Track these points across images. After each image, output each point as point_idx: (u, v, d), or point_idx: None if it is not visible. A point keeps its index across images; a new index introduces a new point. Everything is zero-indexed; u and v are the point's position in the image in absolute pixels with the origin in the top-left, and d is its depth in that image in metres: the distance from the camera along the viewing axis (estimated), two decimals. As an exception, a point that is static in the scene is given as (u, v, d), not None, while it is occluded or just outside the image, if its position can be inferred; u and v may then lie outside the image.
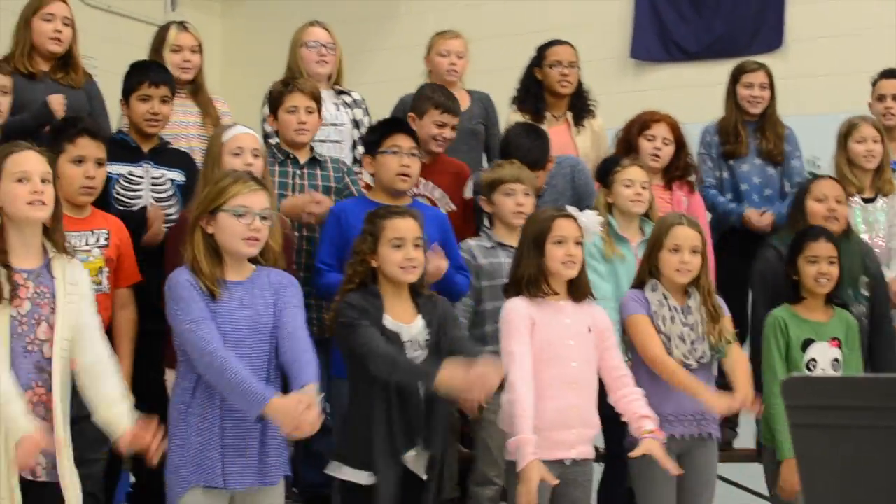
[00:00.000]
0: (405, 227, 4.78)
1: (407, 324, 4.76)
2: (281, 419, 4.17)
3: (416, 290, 4.85)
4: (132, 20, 10.02)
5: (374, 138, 5.59)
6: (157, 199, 5.55)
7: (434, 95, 6.23)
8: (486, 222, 5.93)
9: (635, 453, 4.97)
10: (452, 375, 4.45)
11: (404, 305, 4.80)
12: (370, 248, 4.76)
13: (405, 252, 4.75)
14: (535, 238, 5.10)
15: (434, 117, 6.10)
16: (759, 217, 6.60)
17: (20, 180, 4.17)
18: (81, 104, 5.95)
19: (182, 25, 6.30)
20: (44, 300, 4.20)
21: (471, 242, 5.67)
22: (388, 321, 4.71)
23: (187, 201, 5.37)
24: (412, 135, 5.58)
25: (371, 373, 4.60)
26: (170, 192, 5.61)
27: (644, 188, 5.98)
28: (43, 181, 4.18)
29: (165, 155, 5.69)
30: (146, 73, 5.69)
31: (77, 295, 4.30)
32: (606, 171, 6.07)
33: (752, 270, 6.16)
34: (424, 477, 4.71)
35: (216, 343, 4.28)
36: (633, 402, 5.06)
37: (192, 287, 4.35)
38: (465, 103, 6.71)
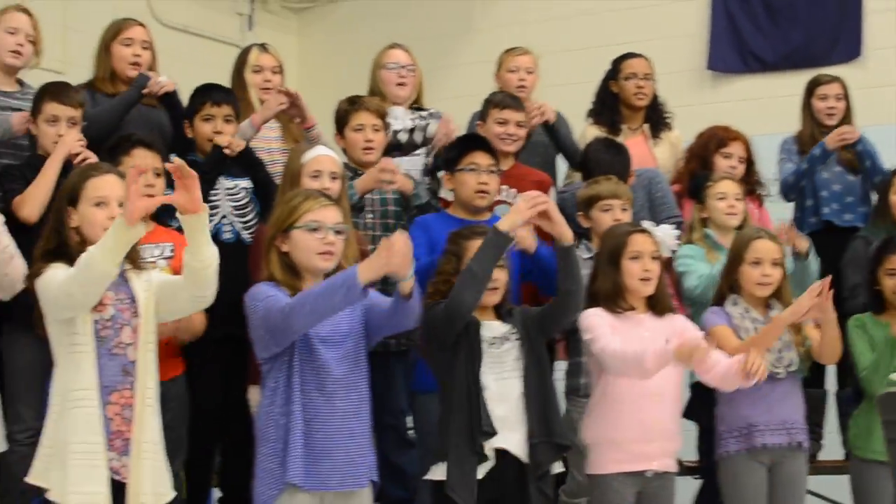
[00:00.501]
0: None
1: (493, 321, 4.77)
2: (378, 262, 4.20)
3: (500, 308, 4.84)
4: (210, 40, 10.11)
5: (453, 155, 5.62)
6: (235, 208, 5.64)
7: (493, 97, 6.32)
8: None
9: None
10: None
11: (488, 319, 4.80)
12: (454, 269, 4.77)
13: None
14: (610, 253, 5.09)
15: (495, 116, 6.16)
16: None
17: (99, 205, 4.25)
18: (163, 121, 6.02)
19: (263, 47, 6.37)
20: (125, 305, 4.26)
21: None
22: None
23: (261, 204, 5.53)
24: (491, 152, 5.60)
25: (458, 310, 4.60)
26: (246, 200, 5.69)
27: (738, 200, 5.99)
28: (120, 205, 4.22)
29: (233, 167, 5.73)
30: (208, 94, 5.76)
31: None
32: (698, 187, 6.06)
33: (843, 261, 6.22)
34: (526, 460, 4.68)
35: (282, 299, 4.32)
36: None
37: (275, 288, 4.40)
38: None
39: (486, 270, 4.60)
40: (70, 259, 4.15)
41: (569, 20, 9.79)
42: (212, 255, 4.23)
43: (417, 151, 6.39)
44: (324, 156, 5.26)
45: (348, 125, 5.83)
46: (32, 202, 5.18)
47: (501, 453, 4.63)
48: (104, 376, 4.15)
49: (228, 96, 5.83)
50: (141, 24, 6.17)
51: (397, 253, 4.19)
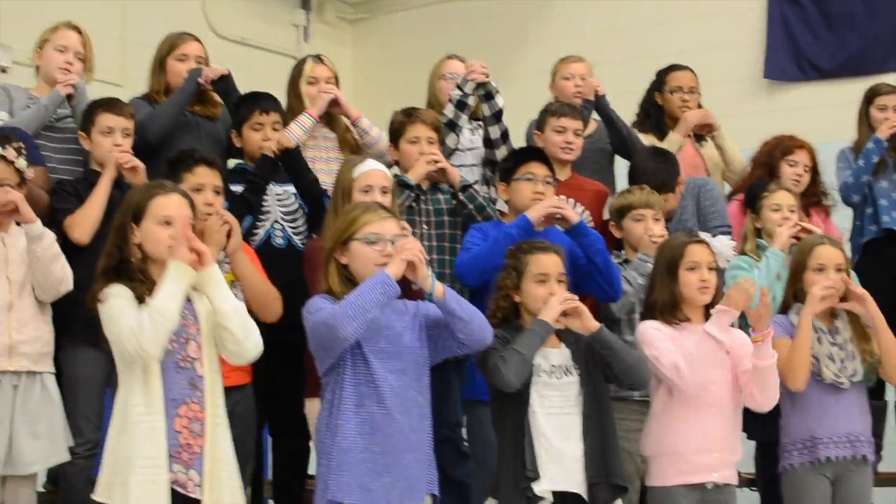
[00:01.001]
0: (549, 263, 4.78)
1: (555, 349, 4.75)
2: (396, 258, 4.30)
3: (561, 333, 4.83)
4: (266, 52, 10.19)
5: (509, 166, 5.62)
6: (285, 213, 5.69)
7: (550, 106, 6.33)
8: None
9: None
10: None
11: (549, 340, 4.77)
12: (514, 284, 4.78)
13: (549, 288, 4.75)
14: (667, 264, 5.07)
15: (553, 124, 6.15)
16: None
17: (163, 223, 4.25)
18: (219, 135, 6.04)
19: (318, 58, 6.37)
20: (189, 321, 4.27)
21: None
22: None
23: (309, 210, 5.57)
24: (547, 163, 5.58)
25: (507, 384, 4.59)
26: (295, 206, 5.74)
27: (792, 212, 5.95)
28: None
29: (281, 173, 5.76)
30: (256, 103, 5.78)
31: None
32: (754, 197, 6.04)
33: None
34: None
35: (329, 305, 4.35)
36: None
37: (328, 301, 4.42)
38: (592, 126, 6.74)
39: (531, 354, 4.61)
40: (129, 277, 4.17)
41: (624, 31, 9.78)
42: (230, 310, 4.27)
43: (470, 161, 6.39)
44: (374, 170, 5.27)
45: (403, 137, 5.83)
46: (84, 224, 5.24)
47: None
48: (172, 389, 4.15)
49: (275, 104, 5.86)
50: (196, 40, 6.20)
51: (411, 250, 4.29)
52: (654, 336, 4.96)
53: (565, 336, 4.80)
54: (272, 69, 9.53)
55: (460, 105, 6.15)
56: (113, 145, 5.42)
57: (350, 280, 4.47)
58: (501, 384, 4.57)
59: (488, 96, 6.26)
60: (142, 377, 4.11)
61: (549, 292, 4.72)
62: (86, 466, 4.94)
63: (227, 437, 4.31)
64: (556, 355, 4.74)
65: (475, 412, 5.31)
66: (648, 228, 5.60)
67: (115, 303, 4.15)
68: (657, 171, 6.06)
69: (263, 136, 5.70)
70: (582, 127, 6.22)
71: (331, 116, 6.24)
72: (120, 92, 6.61)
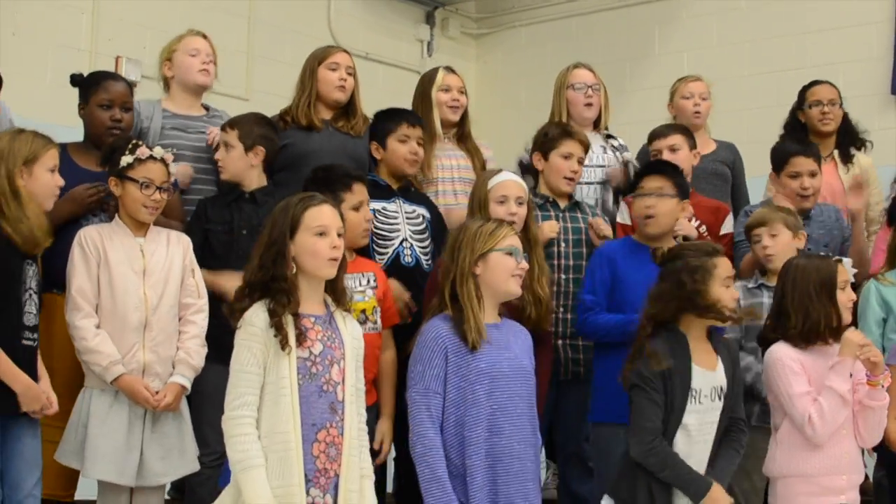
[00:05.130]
0: (721, 265, 4.73)
1: (711, 370, 4.70)
2: None
3: (712, 333, 4.79)
4: (390, 66, 10.25)
5: (635, 181, 5.59)
6: (413, 232, 5.66)
7: (655, 130, 6.33)
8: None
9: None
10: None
11: (705, 347, 4.73)
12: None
13: (731, 292, 4.71)
14: (820, 285, 4.94)
15: (655, 147, 6.18)
16: None
17: (319, 234, 4.22)
18: (360, 153, 6.00)
19: (449, 69, 6.41)
20: (334, 343, 4.24)
21: (737, 283, 5.58)
22: (697, 372, 4.64)
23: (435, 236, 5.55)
24: (666, 176, 5.54)
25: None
26: (423, 226, 5.72)
27: None
28: (338, 236, 4.25)
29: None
30: (403, 116, 5.82)
31: (360, 350, 4.36)
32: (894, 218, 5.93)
33: None
34: None
35: (429, 427, 4.41)
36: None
37: (441, 350, 4.45)
38: (710, 147, 6.72)
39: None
40: (275, 294, 4.15)
41: (748, 45, 9.67)
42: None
43: (599, 178, 6.37)
44: (510, 181, 5.29)
45: (556, 150, 5.80)
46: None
47: None
48: (312, 414, 4.11)
49: (420, 119, 5.90)
50: (345, 51, 6.24)
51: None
52: (789, 376, 4.88)
53: (720, 349, 4.76)
54: (396, 83, 9.63)
55: None
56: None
57: (478, 298, 4.50)
58: (636, 459, 4.58)
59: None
60: (276, 403, 4.08)
61: (731, 296, 4.68)
62: (212, 476, 5.01)
63: (363, 460, 4.28)
64: (710, 378, 4.69)
65: (601, 432, 5.29)
66: (764, 246, 5.55)
67: (238, 356, 4.14)
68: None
69: (410, 150, 5.72)
70: (678, 142, 6.19)
71: (462, 133, 6.27)
72: (246, 106, 6.69)
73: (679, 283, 4.65)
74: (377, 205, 5.59)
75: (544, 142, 5.87)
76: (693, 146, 6.26)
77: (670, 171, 5.57)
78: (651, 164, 5.78)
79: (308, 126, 5.99)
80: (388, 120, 5.83)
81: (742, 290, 5.49)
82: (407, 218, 5.69)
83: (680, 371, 4.59)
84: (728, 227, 6.07)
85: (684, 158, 6.12)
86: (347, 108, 6.14)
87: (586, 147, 5.88)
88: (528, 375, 4.54)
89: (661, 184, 5.43)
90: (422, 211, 5.75)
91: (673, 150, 6.12)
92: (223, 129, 5.64)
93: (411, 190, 5.84)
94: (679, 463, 4.52)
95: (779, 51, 9.47)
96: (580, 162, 5.83)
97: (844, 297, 4.95)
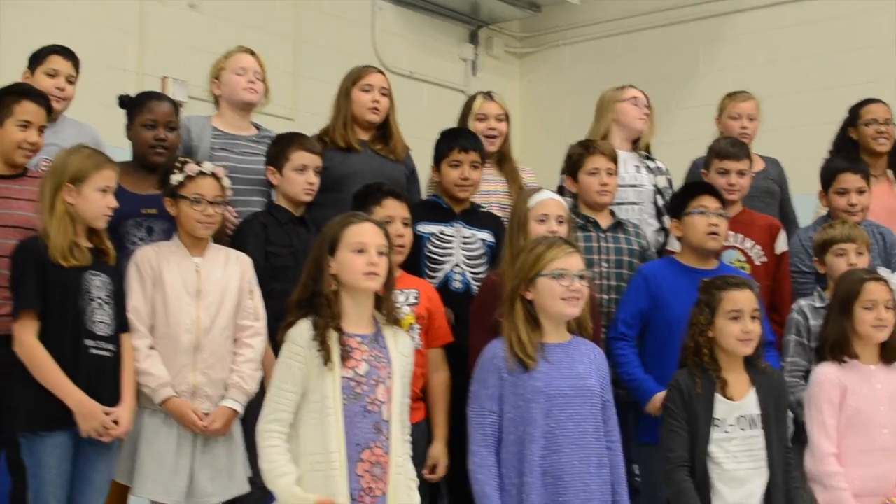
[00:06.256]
0: (743, 299, 4.76)
1: (738, 400, 4.72)
2: None
3: (751, 362, 4.79)
4: (434, 85, 10.27)
5: (681, 201, 5.60)
6: (468, 258, 5.63)
7: (714, 145, 6.24)
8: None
9: None
10: None
11: (740, 377, 4.77)
12: (707, 320, 4.75)
13: (742, 325, 4.72)
14: (843, 300, 4.99)
15: (716, 166, 6.08)
16: None
17: (358, 251, 4.26)
18: (398, 177, 6.01)
19: (488, 95, 6.37)
20: (381, 363, 4.26)
21: (802, 302, 5.57)
22: (719, 401, 4.68)
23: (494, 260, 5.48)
24: (719, 197, 5.56)
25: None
26: (480, 251, 5.67)
27: None
28: (379, 253, 4.27)
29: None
30: (456, 140, 5.78)
31: (408, 368, 4.39)
32: None
33: None
34: None
35: (483, 446, 4.44)
36: None
37: (495, 370, 4.47)
38: (759, 165, 6.67)
39: None
40: (319, 309, 4.20)
41: (796, 62, 9.63)
42: None
43: (637, 200, 6.35)
44: (550, 199, 5.28)
45: (582, 169, 5.80)
46: None
47: None
48: (356, 433, 4.14)
49: (476, 142, 5.83)
50: (380, 71, 6.22)
51: None
52: (823, 403, 4.93)
53: (757, 380, 4.77)
54: (440, 102, 9.66)
55: None
56: (307, 183, 5.48)
57: (533, 317, 4.49)
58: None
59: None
60: (322, 423, 4.12)
61: (742, 329, 4.69)
62: (261, 497, 5.00)
63: (408, 480, 4.30)
64: (743, 405, 4.72)
65: (647, 452, 5.28)
66: (851, 263, 5.51)
67: (279, 372, 4.21)
68: None
69: (460, 174, 5.69)
70: (747, 167, 6.12)
71: (501, 154, 6.26)
72: (292, 125, 6.73)
73: (691, 316, 4.81)
74: (434, 228, 5.63)
75: (570, 164, 5.89)
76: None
77: (716, 190, 5.61)
78: (704, 185, 5.77)
79: (346, 147, 6.00)
80: (441, 143, 5.82)
81: (810, 310, 5.47)
82: (463, 243, 5.67)
83: (703, 400, 4.68)
84: (783, 244, 6.03)
85: (747, 184, 6.12)
86: (385, 131, 6.14)
87: (612, 157, 5.84)
88: (592, 395, 4.52)
89: (719, 205, 5.49)
90: (483, 235, 5.71)
91: (741, 173, 6.07)
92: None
93: (477, 213, 5.82)
94: (688, 498, 4.59)
95: (824, 68, 9.43)
96: (610, 173, 5.80)
97: (869, 316, 4.95)
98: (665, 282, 5.35)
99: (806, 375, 5.31)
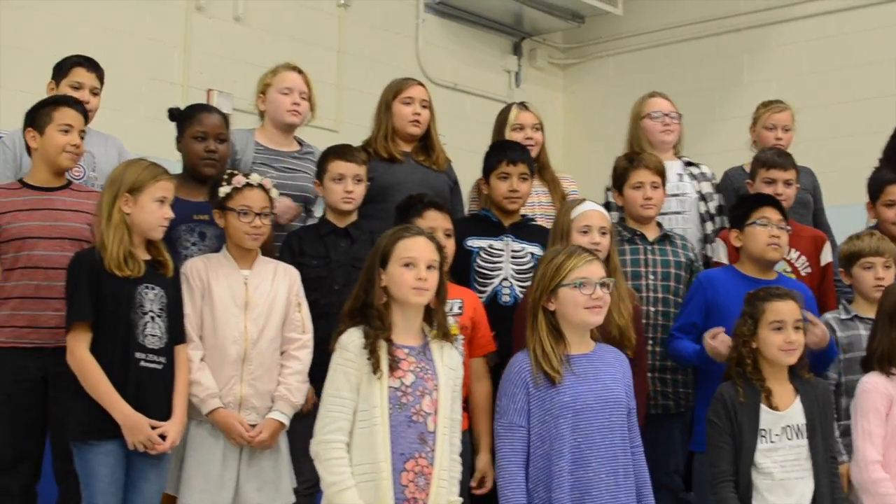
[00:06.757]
0: (785, 310, 4.75)
1: (783, 410, 4.72)
2: None
3: (795, 372, 4.78)
4: (477, 97, 10.28)
5: (742, 211, 5.57)
6: (517, 272, 5.61)
7: (760, 154, 6.23)
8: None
9: None
10: None
11: (784, 387, 4.77)
12: (750, 331, 4.75)
13: (785, 335, 4.71)
14: (890, 313, 4.97)
15: (763, 175, 6.06)
16: None
17: (407, 265, 4.28)
18: (442, 187, 6.04)
19: (523, 105, 6.39)
20: (428, 375, 4.28)
21: (827, 316, 5.53)
22: (764, 411, 4.69)
23: None
24: (780, 208, 5.53)
25: None
26: (529, 265, 5.62)
27: None
28: (428, 268, 4.29)
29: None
30: (504, 153, 5.76)
31: (457, 381, 4.40)
32: None
33: None
34: None
35: (511, 461, 4.40)
36: None
37: (522, 384, 4.44)
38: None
39: None
40: (370, 319, 4.23)
41: (838, 72, 9.59)
42: None
43: (680, 209, 6.34)
44: (592, 211, 5.27)
45: (627, 182, 5.80)
46: None
47: None
48: (400, 443, 4.16)
49: (524, 154, 5.81)
50: (420, 84, 6.25)
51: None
52: (870, 412, 4.89)
53: (802, 390, 4.77)
54: (484, 114, 9.59)
55: None
56: (344, 192, 5.44)
57: (556, 329, 4.49)
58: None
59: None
60: (369, 434, 4.14)
61: (785, 339, 4.68)
62: (306, 504, 5.04)
63: (451, 492, 4.32)
64: (788, 415, 4.71)
65: (702, 461, 5.27)
66: (878, 276, 5.48)
67: (333, 381, 4.23)
68: None
69: (509, 187, 5.68)
70: (793, 177, 6.09)
71: (540, 163, 6.26)
72: (336, 137, 6.74)
73: (735, 326, 4.83)
74: (484, 242, 5.62)
75: (615, 178, 5.90)
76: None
77: (778, 202, 5.60)
78: (765, 196, 5.72)
79: (389, 158, 6.02)
80: (490, 156, 5.81)
81: (836, 322, 5.44)
82: (512, 256, 5.65)
83: (748, 411, 4.68)
84: (827, 256, 6.00)
85: (793, 194, 6.10)
86: (426, 142, 6.17)
87: (658, 170, 5.82)
88: (619, 405, 4.48)
89: (781, 216, 5.48)
90: (533, 249, 5.68)
91: (788, 183, 6.05)
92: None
93: (527, 226, 5.81)
94: None
95: (869, 78, 9.38)
96: (655, 186, 5.79)
97: None
98: (723, 290, 5.34)
99: (836, 388, 5.30)
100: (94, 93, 5.82)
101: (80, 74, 5.80)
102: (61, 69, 5.81)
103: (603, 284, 4.49)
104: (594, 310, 4.47)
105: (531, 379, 4.42)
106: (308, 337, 5.07)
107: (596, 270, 4.51)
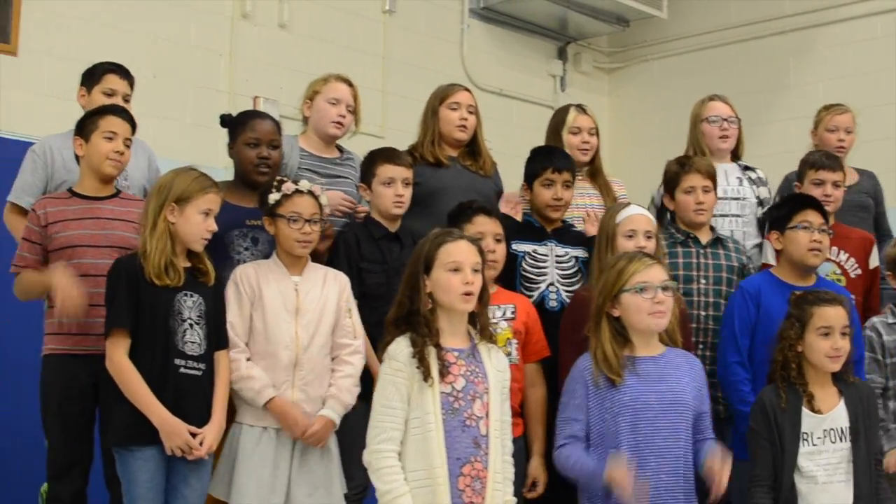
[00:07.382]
0: (834, 315, 4.74)
1: (825, 413, 4.70)
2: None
3: (839, 376, 4.76)
4: (523, 102, 10.28)
5: (784, 214, 5.53)
6: (562, 276, 5.61)
7: (809, 157, 6.19)
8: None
9: None
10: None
11: (828, 391, 4.75)
12: (797, 335, 4.72)
13: (832, 341, 4.69)
14: None
15: (811, 177, 6.04)
16: None
17: (453, 270, 4.28)
18: (488, 192, 6.04)
19: (581, 108, 6.35)
20: (478, 378, 4.29)
21: (874, 320, 5.50)
22: (806, 414, 4.68)
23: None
24: (822, 211, 5.49)
25: None
26: (574, 269, 5.65)
27: None
28: (473, 272, 4.29)
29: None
30: (549, 160, 5.76)
31: (505, 384, 4.40)
32: None
33: None
34: None
35: (567, 445, 4.48)
36: None
37: (583, 382, 4.49)
38: (853, 177, 6.60)
39: None
40: (416, 327, 4.23)
41: (885, 73, 9.52)
42: None
43: (740, 213, 6.31)
44: (638, 215, 5.28)
45: (679, 187, 5.79)
46: None
47: None
48: (456, 448, 4.18)
49: (569, 162, 5.81)
50: (467, 90, 6.24)
51: None
52: None
53: (846, 392, 4.75)
54: (529, 119, 9.66)
55: None
56: (395, 195, 5.47)
57: (621, 334, 4.49)
58: None
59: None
60: (424, 440, 4.15)
61: (832, 345, 4.66)
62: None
63: (508, 492, 4.33)
64: (831, 418, 4.70)
65: (742, 469, 5.25)
66: None
67: (383, 391, 4.24)
68: None
69: (553, 195, 5.67)
70: (841, 178, 6.07)
71: (594, 170, 6.25)
72: (381, 143, 6.73)
73: (781, 329, 4.79)
74: (528, 247, 5.63)
75: (666, 182, 5.89)
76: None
77: (821, 205, 5.54)
78: (808, 198, 5.66)
79: (436, 163, 6.03)
80: (534, 162, 5.80)
81: (883, 326, 5.41)
82: (557, 262, 5.66)
83: (790, 415, 4.67)
84: (876, 259, 5.97)
85: (841, 196, 6.05)
86: (472, 147, 6.16)
87: (709, 174, 5.80)
88: (684, 407, 4.49)
89: (823, 220, 5.42)
90: (576, 253, 5.70)
91: (836, 185, 6.02)
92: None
93: (570, 231, 5.81)
94: None
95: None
96: (706, 190, 5.77)
97: None
98: (767, 296, 5.30)
99: (882, 392, 5.26)
100: (126, 100, 5.82)
101: (113, 81, 5.81)
102: (93, 76, 5.81)
103: (665, 288, 4.49)
104: (658, 314, 4.50)
105: (592, 380, 4.45)
106: (360, 342, 5.08)
107: (657, 274, 4.54)
